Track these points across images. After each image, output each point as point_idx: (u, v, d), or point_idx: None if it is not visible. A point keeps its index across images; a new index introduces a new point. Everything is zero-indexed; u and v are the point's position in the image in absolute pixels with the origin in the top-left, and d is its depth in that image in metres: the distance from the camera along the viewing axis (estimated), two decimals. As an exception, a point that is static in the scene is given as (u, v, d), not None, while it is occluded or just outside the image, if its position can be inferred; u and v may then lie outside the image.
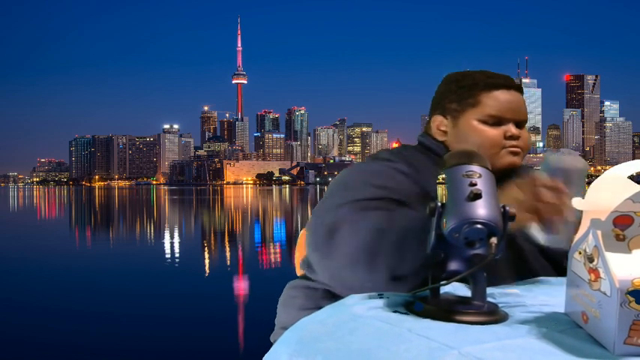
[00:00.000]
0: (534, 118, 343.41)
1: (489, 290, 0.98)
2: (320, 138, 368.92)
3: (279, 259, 9.57)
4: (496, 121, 1.37)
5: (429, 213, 0.92)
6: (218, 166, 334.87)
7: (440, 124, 1.43)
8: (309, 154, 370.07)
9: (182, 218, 22.72)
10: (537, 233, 1.16)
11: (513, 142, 1.37)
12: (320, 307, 1.25)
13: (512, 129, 1.37)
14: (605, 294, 0.76)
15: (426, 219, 1.07)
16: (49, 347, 4.36)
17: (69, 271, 8.42)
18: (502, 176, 1.37)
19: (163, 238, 13.82)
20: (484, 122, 1.37)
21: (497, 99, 1.37)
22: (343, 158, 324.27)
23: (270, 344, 1.45)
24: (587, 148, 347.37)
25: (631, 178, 0.79)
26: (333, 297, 1.26)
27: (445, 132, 1.43)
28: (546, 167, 1.21)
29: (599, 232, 0.78)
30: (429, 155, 1.41)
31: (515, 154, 1.38)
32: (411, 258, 1.10)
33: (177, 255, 10.55)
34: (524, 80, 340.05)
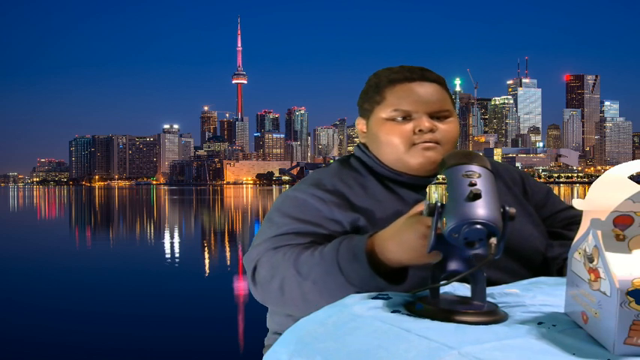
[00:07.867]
0: (534, 118, 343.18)
1: (489, 290, 0.98)
2: (320, 138, 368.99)
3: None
4: (405, 116, 1.29)
5: (429, 213, 0.91)
6: (218, 166, 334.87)
7: (362, 126, 1.40)
8: (309, 154, 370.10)
9: (182, 218, 22.70)
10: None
11: (425, 137, 1.27)
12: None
13: (423, 122, 1.27)
14: (605, 294, 0.76)
15: (335, 253, 1.08)
16: (49, 347, 4.36)
17: (69, 271, 8.41)
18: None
19: (163, 238, 13.81)
20: (392, 119, 1.30)
21: (402, 92, 1.30)
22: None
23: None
24: (587, 148, 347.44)
25: (631, 178, 0.79)
26: None
27: (366, 133, 1.39)
28: None
29: (599, 232, 0.78)
30: (362, 164, 1.37)
31: (428, 149, 1.28)
32: (315, 298, 1.10)
33: (177, 255, 10.54)
34: (524, 80, 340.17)
